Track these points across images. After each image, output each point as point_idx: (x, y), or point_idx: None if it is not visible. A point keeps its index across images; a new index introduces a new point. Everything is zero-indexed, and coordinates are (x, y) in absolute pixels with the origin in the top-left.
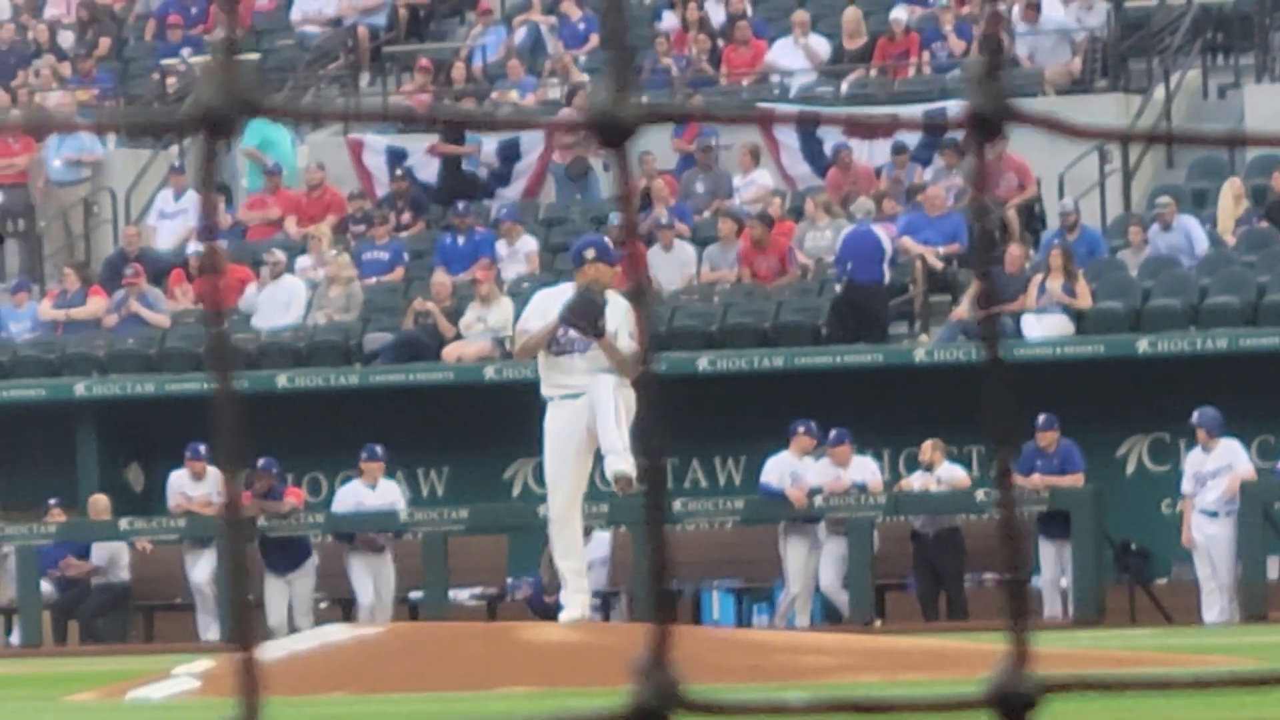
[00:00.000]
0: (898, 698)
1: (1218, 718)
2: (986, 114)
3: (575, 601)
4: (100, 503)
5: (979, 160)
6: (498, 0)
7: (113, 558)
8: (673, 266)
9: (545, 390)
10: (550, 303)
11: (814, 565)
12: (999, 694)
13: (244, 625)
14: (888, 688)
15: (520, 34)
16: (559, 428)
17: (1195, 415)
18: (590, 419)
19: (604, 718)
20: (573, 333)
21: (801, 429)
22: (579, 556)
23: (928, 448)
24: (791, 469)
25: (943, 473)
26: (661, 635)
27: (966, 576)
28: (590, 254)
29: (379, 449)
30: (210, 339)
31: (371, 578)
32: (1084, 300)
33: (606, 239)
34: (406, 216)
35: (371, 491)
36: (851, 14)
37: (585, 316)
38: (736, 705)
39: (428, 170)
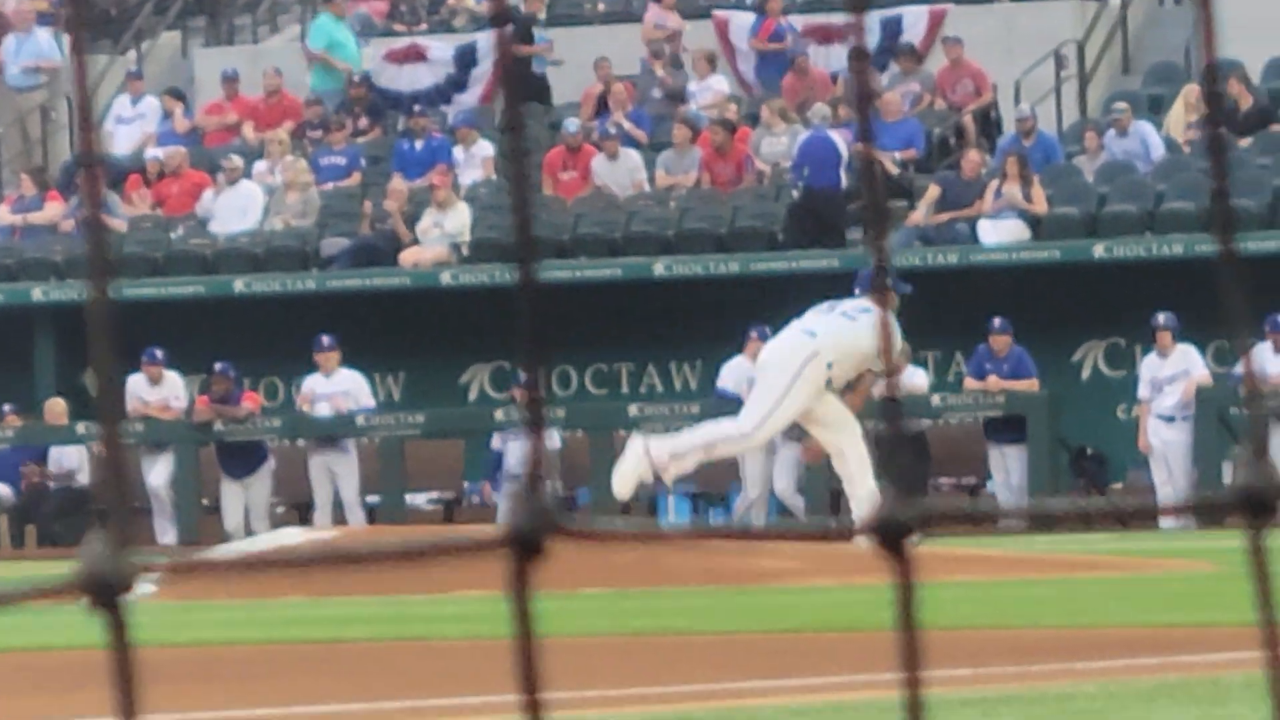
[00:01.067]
0: (779, 528)
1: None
2: None
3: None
4: (57, 406)
5: (858, 35)
6: None
7: (77, 463)
8: (622, 174)
9: None
10: None
11: (770, 470)
12: (880, 522)
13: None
14: (842, 592)
15: None
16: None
17: (1160, 318)
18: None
19: (478, 545)
20: None
21: (755, 334)
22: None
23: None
24: (749, 374)
25: (908, 377)
26: (535, 461)
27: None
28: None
29: (326, 339)
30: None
31: (332, 478)
32: (1040, 206)
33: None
34: (364, 122)
35: (328, 381)
36: None
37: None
38: (610, 532)
39: (386, 76)
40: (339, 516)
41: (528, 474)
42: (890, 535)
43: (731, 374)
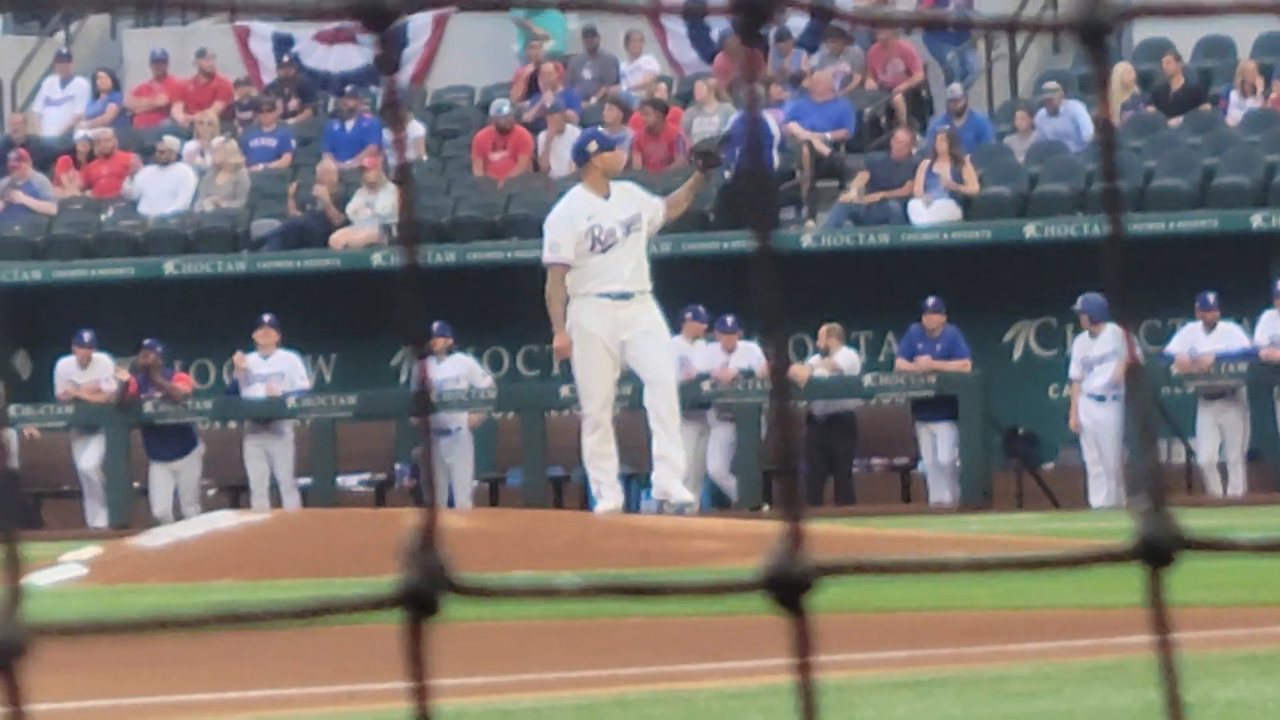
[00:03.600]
0: (669, 582)
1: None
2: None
3: (610, 495)
4: None
5: (747, 48)
6: None
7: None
8: (564, 151)
9: (577, 286)
10: (569, 213)
11: (702, 450)
12: (773, 577)
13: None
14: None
15: None
16: (591, 330)
17: (1079, 301)
18: (636, 351)
19: (371, 602)
20: (609, 224)
21: (689, 315)
22: (614, 457)
23: (824, 333)
24: (680, 353)
25: (839, 358)
26: (431, 517)
27: (855, 461)
28: (593, 146)
29: (267, 318)
30: None
31: (267, 461)
32: (971, 186)
33: (600, 129)
34: (294, 103)
35: (265, 361)
36: None
37: (711, 155)
38: (504, 589)
39: (315, 57)
40: (273, 499)
41: (422, 530)
42: (785, 590)
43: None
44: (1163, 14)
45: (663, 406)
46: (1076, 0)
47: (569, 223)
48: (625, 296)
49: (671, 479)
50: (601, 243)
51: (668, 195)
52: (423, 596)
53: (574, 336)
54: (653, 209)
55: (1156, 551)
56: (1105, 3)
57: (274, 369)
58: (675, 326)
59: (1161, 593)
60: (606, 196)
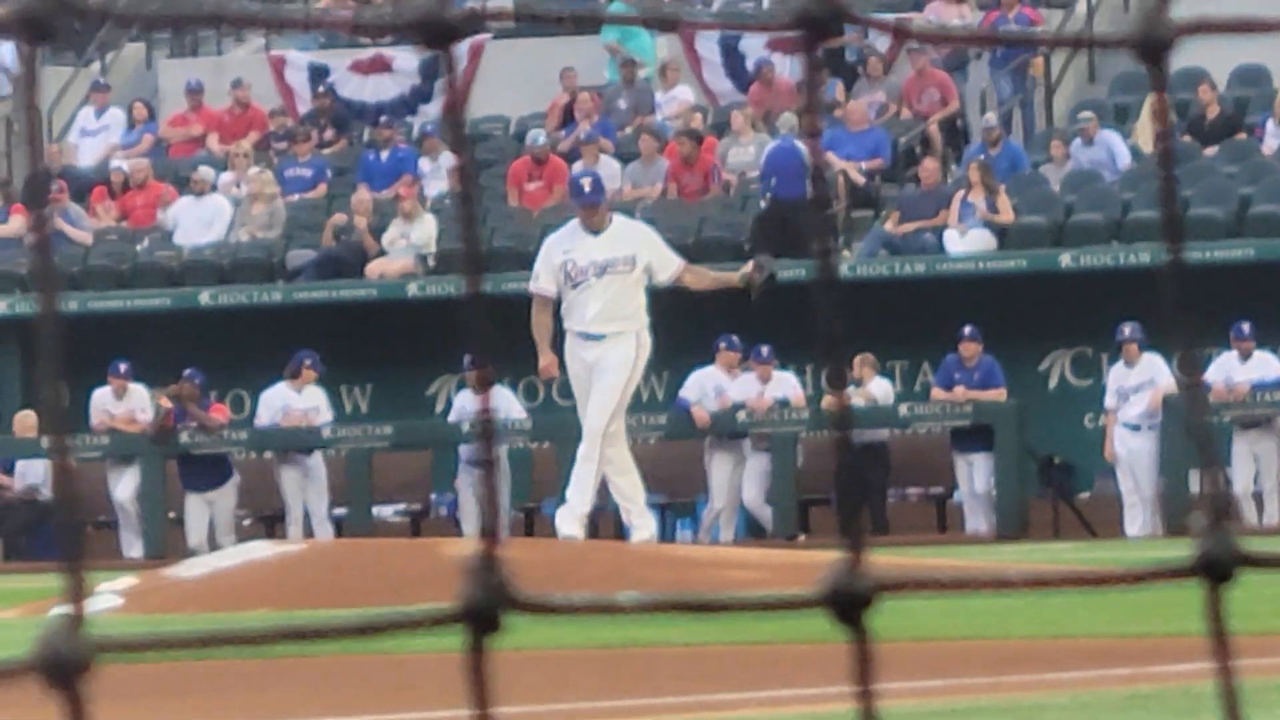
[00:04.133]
0: (731, 598)
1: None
2: (817, 15)
3: (642, 524)
4: (28, 419)
5: (808, 65)
6: None
7: (45, 476)
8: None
9: (566, 323)
10: (551, 244)
11: (738, 480)
12: (834, 593)
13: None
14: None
15: None
16: (572, 366)
17: (1127, 329)
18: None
19: (433, 618)
20: (584, 261)
21: (724, 345)
22: (589, 488)
23: (857, 364)
24: (715, 383)
25: (873, 388)
26: (491, 535)
27: (890, 491)
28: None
29: (309, 359)
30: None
31: (301, 491)
32: (1006, 215)
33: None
34: (329, 133)
35: (298, 396)
36: None
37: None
38: (566, 605)
39: (351, 87)
40: (308, 528)
41: (483, 548)
42: (846, 607)
43: (696, 384)
44: (1220, 31)
45: (581, 455)
46: (1136, 18)
47: (547, 254)
48: (591, 337)
49: (566, 518)
50: (572, 279)
51: (699, 266)
52: (485, 613)
53: (567, 368)
54: (662, 261)
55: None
56: (1164, 20)
57: (306, 404)
58: (710, 357)
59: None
60: (596, 233)
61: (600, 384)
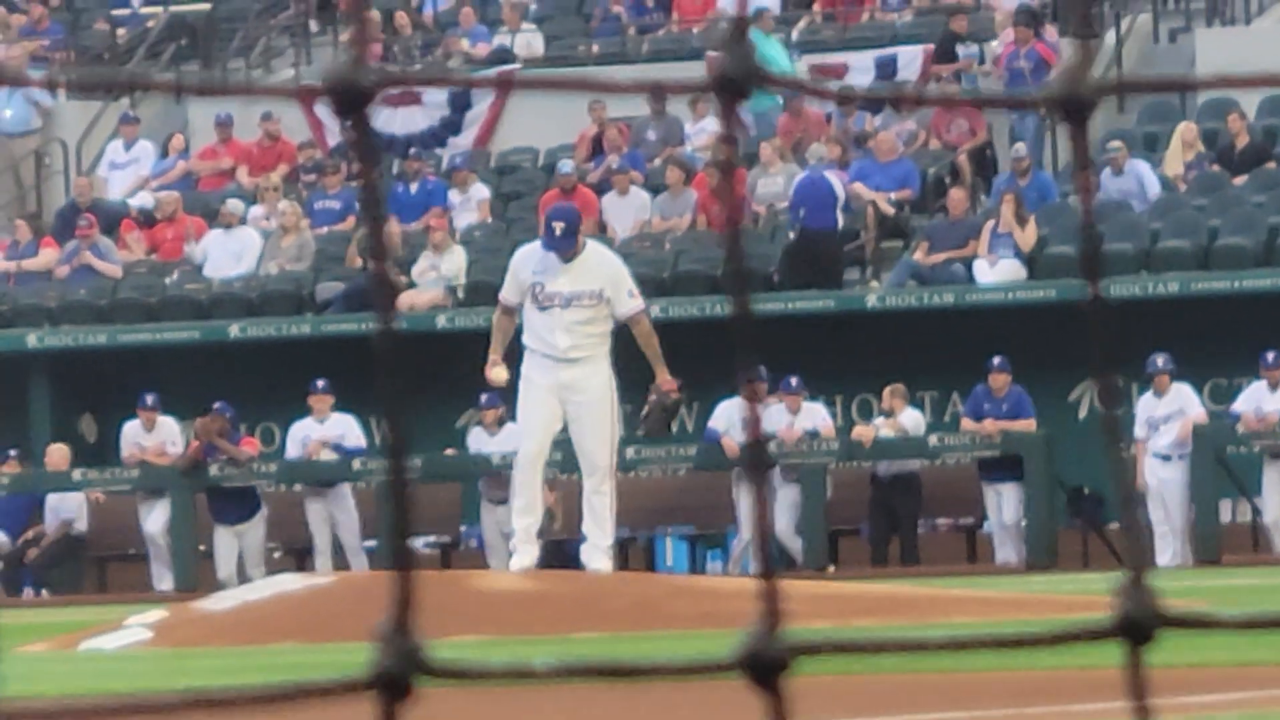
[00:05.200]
0: (646, 661)
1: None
2: (733, 77)
3: (525, 551)
4: (59, 453)
5: (727, 124)
6: None
7: (77, 510)
8: (628, 212)
9: (526, 339)
10: (522, 260)
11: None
12: (750, 657)
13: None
14: (838, 632)
15: None
16: (535, 379)
17: (1160, 360)
18: (573, 419)
19: (343, 686)
20: (552, 289)
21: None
22: (535, 507)
23: (888, 395)
24: (742, 414)
25: (904, 419)
26: (404, 597)
27: (920, 521)
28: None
29: (320, 383)
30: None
31: (330, 523)
32: (1029, 238)
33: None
34: (358, 166)
35: (320, 426)
36: None
37: (658, 425)
38: (479, 670)
39: (380, 119)
40: (338, 562)
41: (395, 613)
42: (762, 671)
43: (724, 414)
44: (1148, 89)
45: (592, 491)
46: (1058, 78)
47: (516, 270)
48: (567, 360)
49: (593, 553)
50: (539, 301)
51: (654, 337)
52: (397, 680)
53: (520, 385)
54: (620, 299)
55: (1137, 629)
56: (1086, 81)
57: (331, 431)
58: (736, 387)
59: (1142, 671)
60: (567, 260)
61: (591, 418)
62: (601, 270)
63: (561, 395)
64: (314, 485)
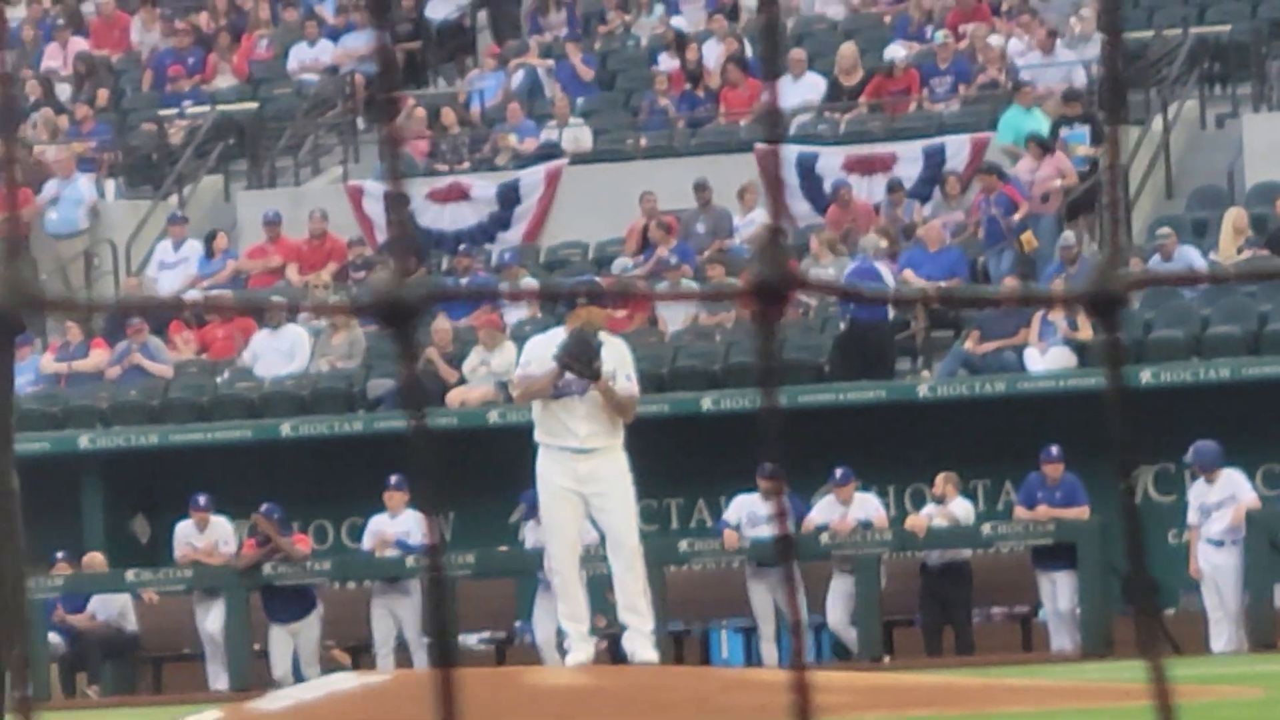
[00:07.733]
0: None
1: None
2: (772, 282)
3: (579, 649)
4: (95, 560)
5: (764, 334)
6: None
7: (120, 610)
8: (677, 305)
9: (540, 435)
10: (543, 348)
11: (821, 601)
12: None
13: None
14: None
15: (518, 78)
16: (553, 479)
17: (1190, 453)
18: (597, 509)
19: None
20: (569, 376)
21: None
22: (580, 607)
23: (940, 481)
24: (749, 510)
25: (955, 507)
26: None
27: (975, 610)
28: (581, 299)
29: (394, 479)
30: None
31: (394, 620)
32: (1086, 333)
33: (597, 278)
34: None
35: (392, 521)
36: (848, 50)
37: (580, 358)
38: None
39: (429, 215)
40: (400, 659)
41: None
42: None
43: (739, 508)
44: (1168, 283)
45: (624, 571)
46: (1089, 273)
47: (539, 349)
48: (583, 451)
49: (636, 640)
50: (556, 390)
51: (630, 399)
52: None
53: (539, 486)
54: (624, 378)
55: None
56: (1114, 275)
57: (404, 527)
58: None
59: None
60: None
61: (613, 500)
62: (613, 358)
63: (582, 490)
64: (381, 582)
